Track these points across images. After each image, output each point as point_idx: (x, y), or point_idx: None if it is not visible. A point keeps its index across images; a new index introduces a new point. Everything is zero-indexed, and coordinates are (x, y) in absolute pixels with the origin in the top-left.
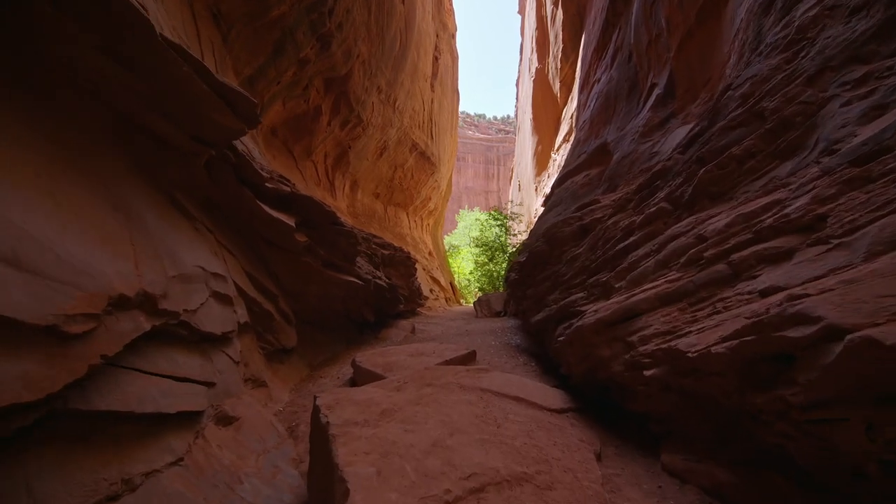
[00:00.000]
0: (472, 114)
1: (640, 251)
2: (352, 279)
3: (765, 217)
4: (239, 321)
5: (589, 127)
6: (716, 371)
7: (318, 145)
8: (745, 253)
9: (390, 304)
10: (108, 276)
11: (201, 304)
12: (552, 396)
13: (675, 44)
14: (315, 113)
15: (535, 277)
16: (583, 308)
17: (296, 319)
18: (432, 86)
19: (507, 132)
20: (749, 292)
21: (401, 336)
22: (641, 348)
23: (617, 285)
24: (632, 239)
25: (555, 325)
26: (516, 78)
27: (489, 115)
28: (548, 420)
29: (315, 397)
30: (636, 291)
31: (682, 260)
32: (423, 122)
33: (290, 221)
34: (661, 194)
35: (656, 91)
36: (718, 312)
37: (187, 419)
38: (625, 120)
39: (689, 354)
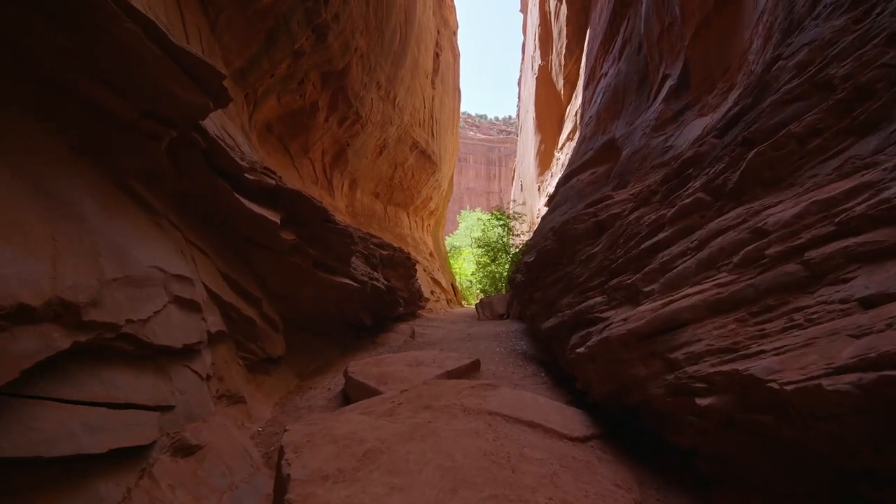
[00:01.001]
0: (474, 114)
1: (674, 249)
2: (346, 281)
3: (851, 205)
4: (209, 330)
5: (595, 123)
6: (828, 415)
7: (316, 142)
8: (826, 249)
9: (389, 307)
10: (5, 279)
11: (156, 313)
12: (571, 419)
13: (689, 32)
14: (312, 109)
15: (545, 279)
16: (603, 314)
17: (286, 325)
18: (433, 83)
19: (509, 133)
20: (841, 301)
21: (400, 341)
22: (690, 369)
23: (646, 289)
24: (662, 235)
25: (568, 332)
26: (518, 77)
27: (490, 116)
28: (571, 454)
29: (284, 430)
30: (675, 297)
31: (734, 259)
32: (424, 120)
33: (275, 217)
34: (696, 184)
35: (669, 82)
36: (799, 326)
37: (128, 456)
38: (634, 114)
39: (773, 385)
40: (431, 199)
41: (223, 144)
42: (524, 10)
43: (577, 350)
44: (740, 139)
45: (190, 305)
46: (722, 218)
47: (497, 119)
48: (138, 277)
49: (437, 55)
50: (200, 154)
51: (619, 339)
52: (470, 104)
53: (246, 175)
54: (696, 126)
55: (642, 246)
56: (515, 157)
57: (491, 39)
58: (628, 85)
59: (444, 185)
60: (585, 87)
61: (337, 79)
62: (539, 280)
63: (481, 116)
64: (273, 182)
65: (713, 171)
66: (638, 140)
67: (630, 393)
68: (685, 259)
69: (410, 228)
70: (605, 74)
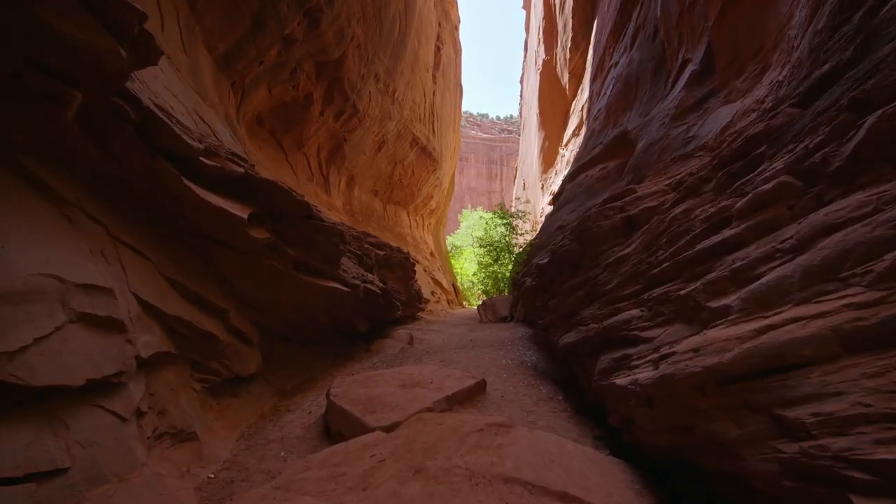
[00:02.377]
0: (475, 113)
1: (752, 251)
2: (335, 285)
3: None
4: (140, 354)
5: (605, 116)
6: None
7: (311, 137)
8: None
9: (385, 311)
10: None
11: (39, 339)
12: (615, 482)
13: (714, 12)
14: (306, 101)
15: (562, 285)
16: (645, 334)
17: (264, 336)
18: (434, 77)
19: (511, 132)
20: None
21: (397, 348)
22: (834, 444)
23: (713, 304)
24: (728, 233)
25: (593, 351)
26: (520, 75)
27: (492, 115)
28: None
29: None
30: (772, 320)
31: (875, 268)
32: (425, 116)
33: (241, 212)
34: (776, 165)
35: (690, 68)
36: None
37: None
38: (649, 104)
39: None
40: (432, 197)
41: (163, 117)
42: (527, 6)
43: (616, 381)
44: (845, 102)
45: (105, 324)
46: (831, 208)
47: (499, 118)
48: (14, 291)
49: (438, 49)
50: (132, 129)
51: (691, 379)
52: (471, 103)
53: (202, 159)
54: (724, 113)
55: (698, 246)
56: (517, 156)
57: (492, 39)
58: (642, 74)
59: (446, 184)
60: (593, 80)
61: (332, 69)
62: (554, 285)
63: (483, 115)
64: (241, 170)
65: (802, 147)
66: (655, 131)
67: (705, 455)
68: (773, 265)
69: (411, 228)
70: (616, 64)
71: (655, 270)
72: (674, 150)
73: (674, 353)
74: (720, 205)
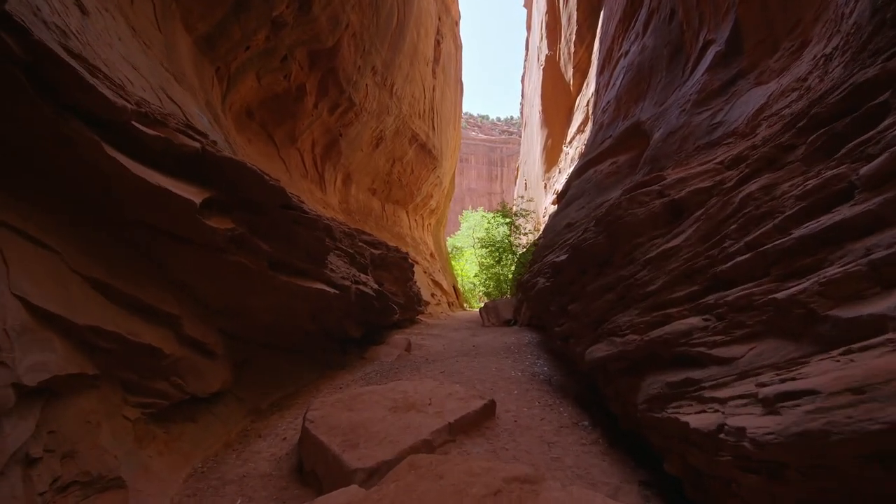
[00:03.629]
0: (476, 115)
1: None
2: (320, 286)
3: None
4: (21, 380)
5: (615, 108)
6: None
7: (304, 131)
8: None
9: (380, 315)
10: None
11: None
12: None
13: None
14: (298, 93)
15: (586, 286)
16: (714, 352)
17: (237, 345)
18: (434, 72)
19: (511, 133)
20: None
21: (393, 355)
22: None
23: (846, 314)
24: (850, 211)
25: (632, 369)
26: (521, 75)
27: (493, 117)
28: None
29: None
30: None
31: None
32: (424, 111)
33: (193, 196)
34: None
35: (713, 49)
36: None
37: None
38: (665, 92)
39: None
40: (432, 196)
41: (71, 63)
42: (528, 4)
43: (679, 416)
44: None
45: None
46: None
47: (499, 119)
48: None
49: (437, 43)
50: (20, 73)
51: (865, 443)
52: (472, 105)
53: (137, 126)
54: (756, 96)
55: (794, 233)
56: (517, 158)
57: (493, 40)
58: (656, 61)
59: (446, 183)
60: (600, 73)
61: (326, 59)
62: (574, 286)
63: (483, 117)
64: (197, 145)
65: None
66: (675, 119)
67: None
68: None
69: (410, 228)
70: (626, 53)
71: (724, 267)
72: (697, 139)
73: (806, 393)
74: (825, 175)
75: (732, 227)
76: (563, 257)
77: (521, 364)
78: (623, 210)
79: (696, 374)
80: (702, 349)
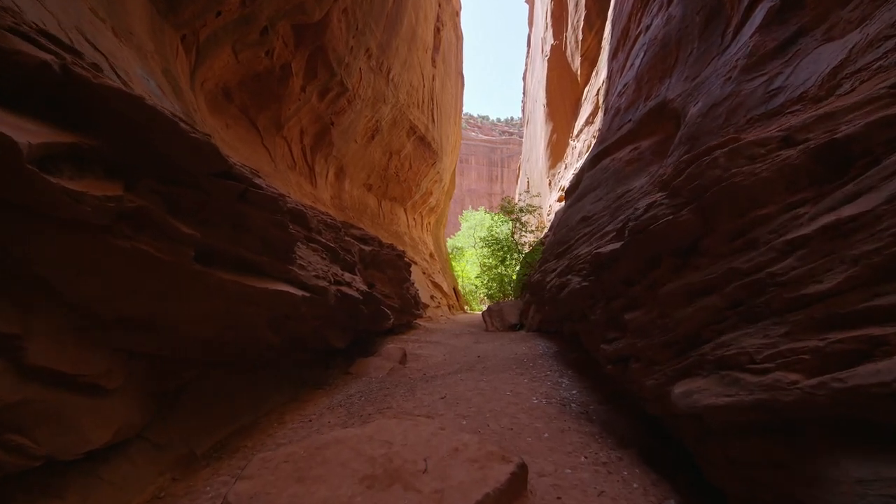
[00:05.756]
0: (476, 115)
1: None
2: (281, 287)
3: None
4: None
5: (634, 89)
6: None
7: (291, 117)
8: None
9: (371, 321)
10: None
11: None
12: None
13: None
14: (283, 73)
15: (657, 286)
16: None
17: (162, 369)
18: (434, 60)
19: (511, 134)
20: None
21: (384, 370)
22: None
23: None
24: None
25: (788, 436)
26: (523, 72)
27: (493, 117)
28: None
29: None
30: None
31: None
32: (423, 102)
33: (21, 136)
34: None
35: (765, 4)
36: None
37: None
38: (698, 65)
39: None
40: (432, 193)
41: None
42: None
43: None
44: None
45: None
46: None
47: (499, 120)
48: None
49: (437, 30)
50: None
51: None
52: (472, 105)
53: None
54: (828, 53)
55: None
56: (517, 158)
57: (493, 41)
58: (686, 31)
59: (446, 179)
60: (612, 58)
61: (314, 35)
62: (636, 286)
63: (483, 118)
64: (48, 57)
65: None
66: (718, 90)
67: None
68: None
69: (408, 226)
70: (647, 28)
71: None
72: (750, 109)
73: None
74: None
75: None
76: (614, 246)
77: (541, 384)
78: (722, 170)
79: None
80: None
